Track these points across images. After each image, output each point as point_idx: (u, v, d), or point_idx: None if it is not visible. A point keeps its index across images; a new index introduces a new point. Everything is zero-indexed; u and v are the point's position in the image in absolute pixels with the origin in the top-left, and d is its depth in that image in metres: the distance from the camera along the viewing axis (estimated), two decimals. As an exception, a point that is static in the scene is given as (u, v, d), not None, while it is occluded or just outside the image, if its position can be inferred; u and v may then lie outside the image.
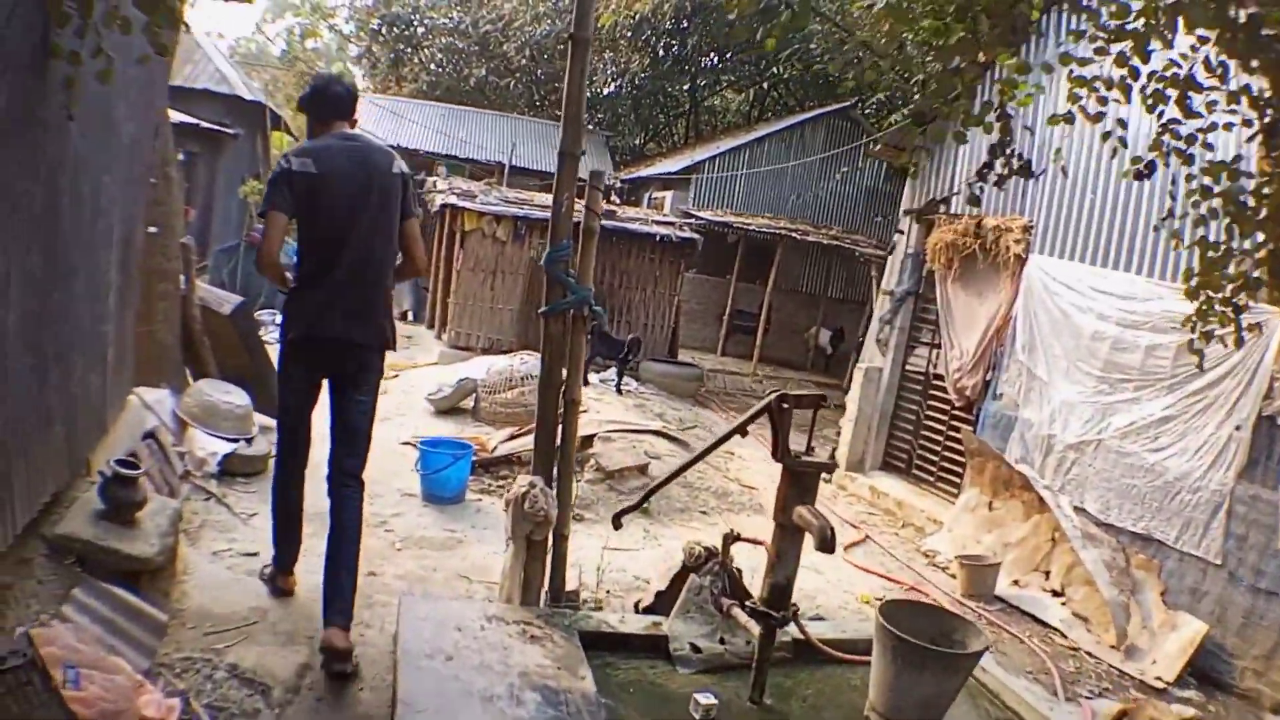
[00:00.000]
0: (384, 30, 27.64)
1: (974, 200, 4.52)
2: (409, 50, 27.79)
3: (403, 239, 4.19)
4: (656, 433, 9.28)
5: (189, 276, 7.40)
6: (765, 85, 22.93)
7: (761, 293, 18.32)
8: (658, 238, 13.50)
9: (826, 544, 3.31)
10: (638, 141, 25.16)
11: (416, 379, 11.36)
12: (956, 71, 4.18)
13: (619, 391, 11.13)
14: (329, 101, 4.13)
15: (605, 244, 13.27)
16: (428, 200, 14.27)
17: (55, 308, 3.76)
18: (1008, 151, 4.15)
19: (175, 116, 13.39)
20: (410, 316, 17.08)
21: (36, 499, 3.73)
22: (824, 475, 9.53)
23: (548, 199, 13.98)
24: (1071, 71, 3.79)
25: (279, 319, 13.18)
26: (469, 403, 9.58)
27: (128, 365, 5.80)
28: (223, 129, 14.64)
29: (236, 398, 7.03)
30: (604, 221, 13.39)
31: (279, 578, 4.59)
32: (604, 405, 10.11)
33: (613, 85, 25.81)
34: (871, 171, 19.92)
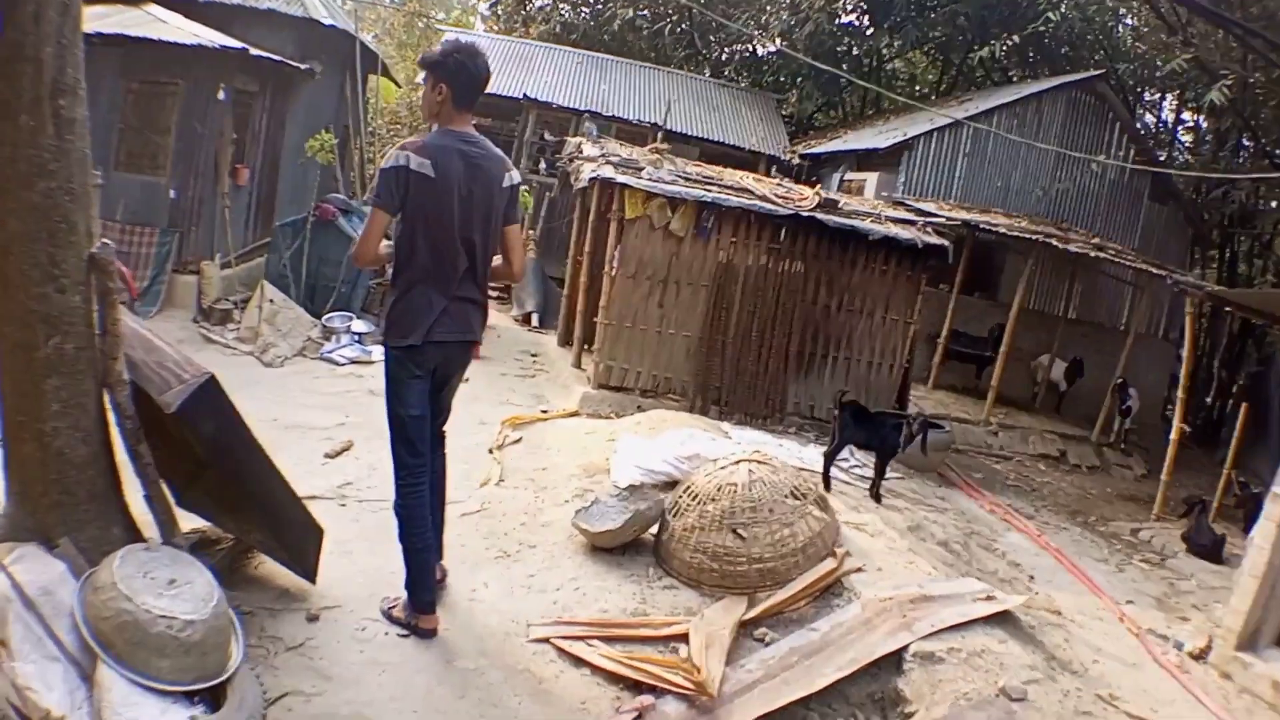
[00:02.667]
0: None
1: None
2: (537, -16, 23.66)
3: (505, 243, 4.22)
4: (990, 614, 5.15)
5: (108, 321, 3.56)
6: (980, 46, 18.22)
7: (985, 310, 14.20)
8: (892, 241, 9.30)
9: None
10: (810, 110, 20.52)
11: (548, 444, 7.47)
12: None
13: (877, 498, 7.00)
14: (473, 86, 4.01)
15: (821, 249, 9.24)
16: (571, 170, 10.26)
17: None
18: None
19: (213, 37, 9.79)
20: (535, 320, 13.10)
21: None
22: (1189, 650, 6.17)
23: (739, 178, 9.90)
24: None
25: (353, 325, 9.39)
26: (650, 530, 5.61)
27: None
28: (288, 62, 10.76)
29: (185, 599, 3.38)
30: (821, 215, 9.23)
31: (418, 619, 4.25)
32: (868, 535, 6.00)
33: (779, 42, 21.33)
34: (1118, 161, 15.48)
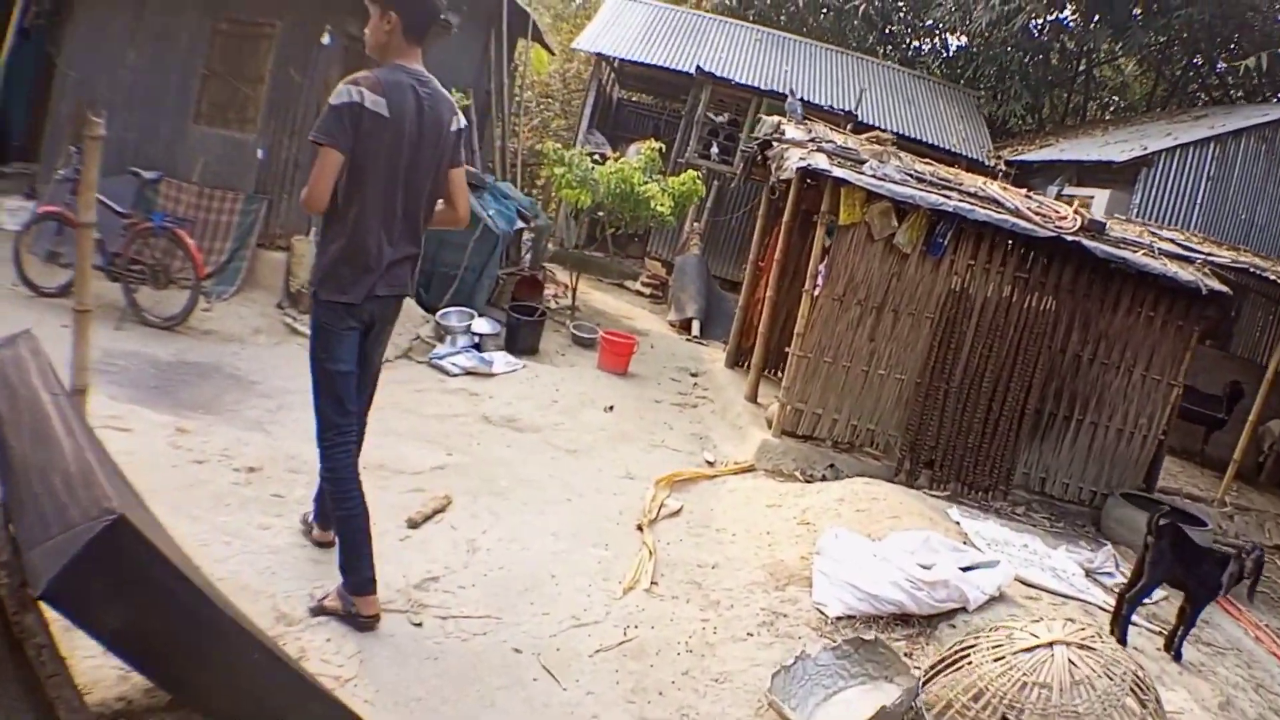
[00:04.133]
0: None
1: None
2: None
3: (449, 188, 3.83)
4: None
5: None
6: (1214, 56, 15.75)
7: (1217, 362, 11.89)
8: (1164, 281, 7.24)
9: None
10: (1013, 113, 17.98)
11: (718, 521, 5.73)
12: None
13: (1177, 657, 4.98)
14: (424, 15, 3.60)
15: (1077, 283, 7.31)
16: (771, 156, 8.38)
17: None
18: None
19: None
20: (696, 329, 11.27)
21: None
22: None
23: (983, 184, 7.68)
24: None
25: (473, 326, 7.72)
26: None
27: None
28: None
29: None
30: (1087, 241, 7.09)
31: (356, 603, 3.61)
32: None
33: (970, 39, 18.89)
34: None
